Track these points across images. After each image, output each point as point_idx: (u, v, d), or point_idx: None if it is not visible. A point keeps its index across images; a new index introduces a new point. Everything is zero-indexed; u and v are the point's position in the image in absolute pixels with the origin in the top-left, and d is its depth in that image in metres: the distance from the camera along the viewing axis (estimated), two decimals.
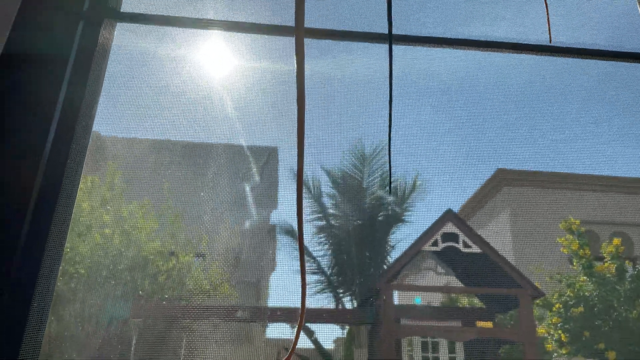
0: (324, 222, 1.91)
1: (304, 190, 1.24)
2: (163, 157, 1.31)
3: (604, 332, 2.31)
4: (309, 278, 1.78)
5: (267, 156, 1.53)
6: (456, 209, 1.92)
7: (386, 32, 0.75)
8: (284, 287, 1.49)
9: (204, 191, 1.37)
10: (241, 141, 1.45)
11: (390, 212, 1.89)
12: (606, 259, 2.64)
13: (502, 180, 2.71)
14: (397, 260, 1.45)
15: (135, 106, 1.25)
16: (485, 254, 1.44)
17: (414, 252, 1.42)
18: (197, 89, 1.28)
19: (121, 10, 0.78)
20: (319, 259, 1.82)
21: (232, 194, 1.40)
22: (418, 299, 1.52)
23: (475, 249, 1.47)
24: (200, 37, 1.27)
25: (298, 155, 0.61)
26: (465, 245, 1.50)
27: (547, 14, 0.86)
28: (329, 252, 1.88)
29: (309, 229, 1.95)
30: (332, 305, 1.77)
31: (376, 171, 1.84)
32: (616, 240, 2.69)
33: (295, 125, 1.10)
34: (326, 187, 1.83)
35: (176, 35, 1.26)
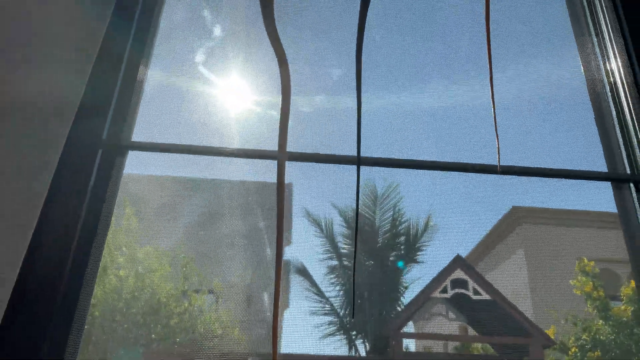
0: (336, 262, 1.91)
1: (316, 230, 1.25)
2: (178, 193, 1.34)
3: None
4: (322, 319, 1.76)
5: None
6: (470, 247, 1.92)
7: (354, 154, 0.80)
8: (296, 328, 1.49)
9: (218, 228, 1.39)
10: (257, 178, 1.48)
11: (402, 253, 1.89)
12: (624, 301, 2.58)
13: (516, 218, 2.68)
14: (407, 307, 1.44)
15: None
16: (495, 302, 1.43)
17: (424, 299, 1.42)
18: (213, 125, 1.32)
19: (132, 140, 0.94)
20: (331, 299, 1.82)
21: (246, 230, 1.41)
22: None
23: (485, 296, 1.47)
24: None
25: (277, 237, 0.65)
26: (475, 292, 1.49)
27: (497, 139, 0.93)
28: (341, 292, 1.87)
29: (321, 270, 1.95)
30: (344, 348, 1.76)
31: (388, 211, 1.85)
32: (633, 282, 2.63)
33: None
34: (338, 227, 1.84)
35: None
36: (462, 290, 1.49)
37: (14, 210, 0.73)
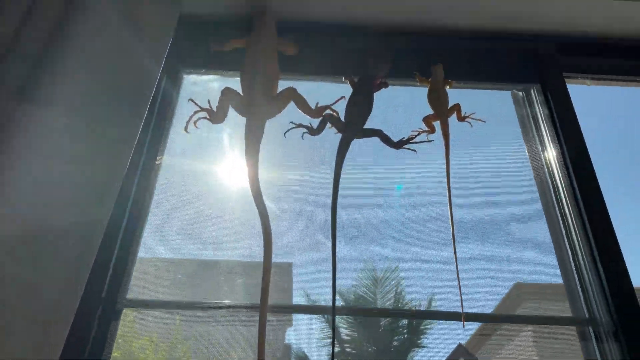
0: (338, 348, 1.85)
1: (317, 316, 1.24)
2: (177, 275, 1.33)
3: None
4: None
5: (282, 271, 1.55)
6: (475, 327, 1.85)
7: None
8: None
9: (217, 309, 1.36)
10: (257, 258, 1.48)
11: (405, 337, 1.83)
12: None
13: (520, 294, 2.62)
14: None
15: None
16: None
17: None
18: (213, 208, 1.35)
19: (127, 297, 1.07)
20: None
21: (246, 312, 1.38)
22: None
23: None
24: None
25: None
26: None
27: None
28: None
29: (322, 356, 1.88)
30: None
31: (389, 293, 1.82)
32: None
33: (309, 242, 1.13)
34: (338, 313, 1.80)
35: None
36: None
37: None
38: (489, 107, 1.60)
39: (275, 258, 1.16)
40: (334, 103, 1.28)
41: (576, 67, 1.54)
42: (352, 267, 1.44)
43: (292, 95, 1.22)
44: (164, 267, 1.30)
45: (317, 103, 1.26)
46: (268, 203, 1.17)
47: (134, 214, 1.22)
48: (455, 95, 1.45)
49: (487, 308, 1.60)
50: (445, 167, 1.29)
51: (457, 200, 1.29)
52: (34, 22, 0.97)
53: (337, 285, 1.41)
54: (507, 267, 1.44)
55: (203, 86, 1.57)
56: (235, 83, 1.33)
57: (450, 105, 1.37)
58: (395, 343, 1.80)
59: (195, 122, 1.21)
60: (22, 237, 0.75)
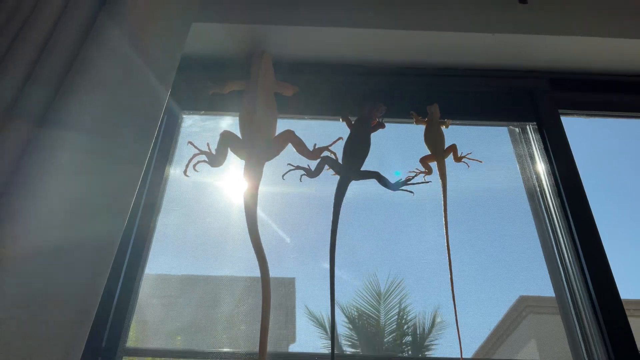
0: None
1: (320, 331, 1.29)
2: (182, 291, 1.37)
3: None
4: None
5: (285, 287, 1.58)
6: (480, 341, 1.89)
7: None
8: None
9: (219, 324, 1.40)
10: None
11: (410, 353, 1.87)
12: None
13: (525, 307, 2.64)
14: None
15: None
16: None
17: None
18: (216, 226, 1.41)
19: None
20: None
21: (249, 327, 1.43)
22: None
23: None
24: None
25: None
26: None
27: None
28: None
29: None
30: None
31: (393, 308, 1.86)
32: None
33: (311, 258, 1.21)
34: (342, 328, 1.85)
35: None
36: None
37: None
38: (486, 143, 1.61)
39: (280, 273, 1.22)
40: (331, 145, 1.29)
41: (571, 102, 1.56)
42: (354, 284, 1.48)
43: (290, 137, 1.23)
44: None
45: (315, 145, 1.27)
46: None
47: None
48: (451, 132, 1.48)
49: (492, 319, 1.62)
50: (442, 206, 1.30)
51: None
52: (54, 49, 1.03)
53: (340, 300, 1.46)
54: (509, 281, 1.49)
55: (202, 127, 1.57)
56: (234, 123, 1.37)
57: (446, 145, 1.38)
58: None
59: (194, 166, 1.21)
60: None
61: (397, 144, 1.57)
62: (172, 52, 1.19)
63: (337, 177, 1.27)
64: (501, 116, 1.57)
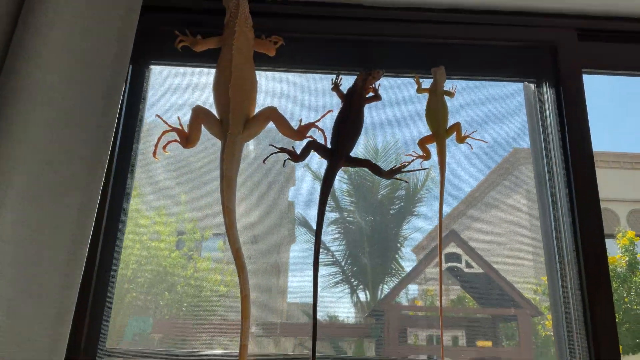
0: (337, 215, 1.96)
1: (318, 185, 1.26)
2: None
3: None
4: (324, 270, 1.83)
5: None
6: (471, 187, 1.91)
7: None
8: (300, 278, 1.54)
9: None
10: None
11: (402, 206, 1.92)
12: (620, 249, 2.62)
13: (518, 159, 2.68)
14: (402, 280, 1.48)
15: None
16: (486, 274, 1.46)
17: (418, 272, 1.45)
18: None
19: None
20: (333, 250, 1.88)
21: (249, 175, 1.43)
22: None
23: (477, 269, 1.50)
24: None
25: None
26: (468, 265, 1.52)
27: None
28: (343, 244, 1.93)
29: (325, 223, 2.00)
30: (347, 297, 1.83)
31: (389, 164, 1.86)
32: (630, 233, 2.64)
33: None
34: (339, 183, 1.87)
35: None
36: (456, 264, 1.53)
37: None
38: (497, 99, 1.43)
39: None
40: (319, 119, 1.14)
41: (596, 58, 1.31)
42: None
43: (272, 115, 1.09)
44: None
45: (301, 120, 1.12)
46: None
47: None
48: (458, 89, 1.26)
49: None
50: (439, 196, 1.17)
51: None
52: None
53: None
54: None
55: (172, 80, 1.37)
56: (207, 75, 1.16)
57: (450, 123, 1.21)
58: (392, 212, 1.89)
59: (164, 147, 1.08)
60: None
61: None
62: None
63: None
64: (517, 73, 1.34)
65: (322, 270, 1.15)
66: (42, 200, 0.85)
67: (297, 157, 1.11)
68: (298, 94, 1.39)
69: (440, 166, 1.18)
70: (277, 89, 1.39)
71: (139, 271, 1.30)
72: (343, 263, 1.88)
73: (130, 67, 1.21)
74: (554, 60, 1.29)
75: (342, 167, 1.12)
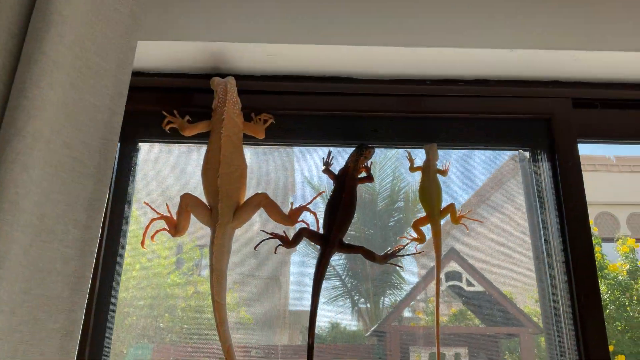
0: None
1: (317, 200, 1.26)
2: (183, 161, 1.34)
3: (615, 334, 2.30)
4: (326, 284, 1.83)
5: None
6: (470, 193, 1.91)
7: None
8: (302, 291, 1.52)
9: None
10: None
11: (402, 217, 1.91)
12: (620, 256, 2.60)
13: (518, 163, 2.68)
14: (402, 301, 1.47)
15: None
16: (487, 293, 1.46)
17: (419, 290, 1.44)
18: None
19: None
20: (333, 264, 1.88)
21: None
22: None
23: (478, 287, 1.49)
24: None
25: None
26: (469, 283, 1.51)
27: None
28: (343, 257, 1.92)
29: None
30: (348, 311, 1.83)
31: (387, 177, 1.86)
32: (630, 240, 2.64)
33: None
34: None
35: None
36: (456, 282, 1.52)
37: None
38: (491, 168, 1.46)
39: None
40: (310, 202, 1.13)
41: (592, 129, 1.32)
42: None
43: (263, 202, 1.07)
44: None
45: (292, 203, 1.11)
46: None
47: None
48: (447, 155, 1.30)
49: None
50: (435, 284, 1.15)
51: None
52: None
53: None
54: None
55: (161, 156, 1.37)
56: (196, 152, 1.17)
57: (444, 204, 1.19)
58: (391, 223, 1.89)
59: (152, 236, 1.06)
60: None
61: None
62: (120, 71, 0.96)
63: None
64: (511, 142, 1.36)
65: (323, 284, 1.14)
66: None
67: (289, 244, 1.10)
68: (289, 169, 1.40)
69: (435, 250, 1.16)
70: (268, 164, 1.41)
71: (139, 293, 1.29)
72: (344, 276, 1.87)
73: (119, 145, 1.21)
74: (549, 130, 1.30)
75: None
